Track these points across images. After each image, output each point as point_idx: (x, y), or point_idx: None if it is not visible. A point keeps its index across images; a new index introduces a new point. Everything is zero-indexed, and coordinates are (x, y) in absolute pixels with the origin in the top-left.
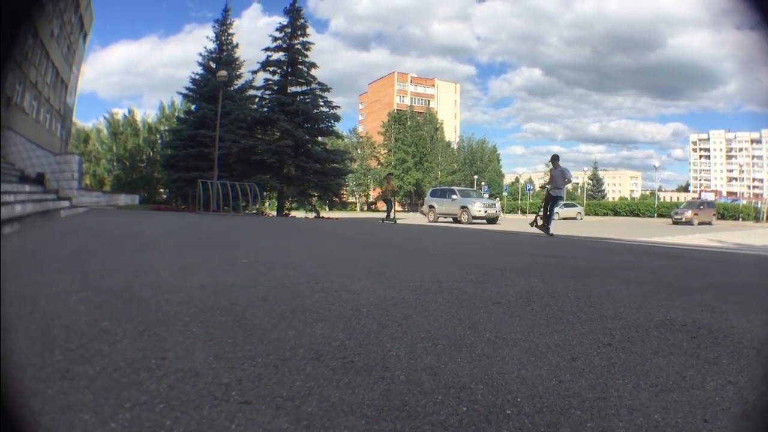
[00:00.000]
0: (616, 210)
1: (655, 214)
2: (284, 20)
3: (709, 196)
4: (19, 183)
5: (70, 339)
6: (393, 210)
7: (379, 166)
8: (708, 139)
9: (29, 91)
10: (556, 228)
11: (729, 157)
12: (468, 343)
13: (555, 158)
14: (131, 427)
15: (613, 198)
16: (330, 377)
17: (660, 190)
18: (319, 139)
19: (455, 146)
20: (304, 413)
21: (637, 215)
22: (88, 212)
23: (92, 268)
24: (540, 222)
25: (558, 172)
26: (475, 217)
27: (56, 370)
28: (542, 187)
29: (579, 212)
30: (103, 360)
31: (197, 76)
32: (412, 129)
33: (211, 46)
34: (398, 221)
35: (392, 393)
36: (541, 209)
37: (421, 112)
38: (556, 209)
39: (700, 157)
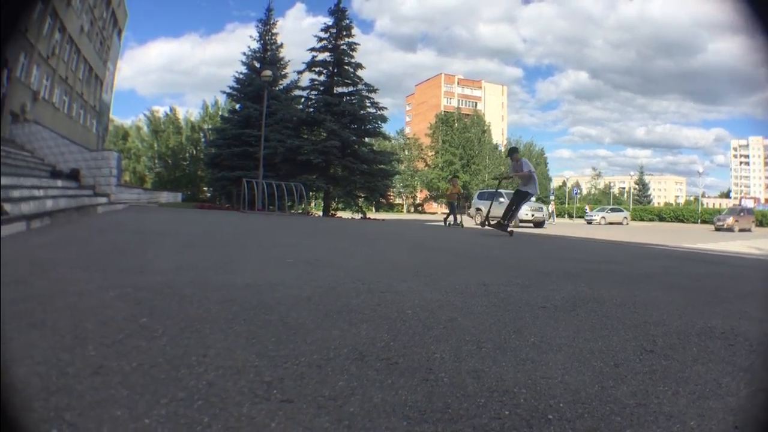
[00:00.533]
0: (662, 215)
1: (699, 220)
2: (329, 20)
3: (749, 203)
4: (50, 178)
5: (106, 335)
6: (458, 214)
7: (426, 167)
8: (747, 145)
9: (59, 86)
10: (602, 233)
11: (766, 163)
12: (513, 347)
13: (513, 150)
14: (167, 423)
15: (658, 203)
16: (373, 378)
17: (703, 196)
18: (366, 140)
19: (503, 149)
20: (346, 413)
21: (682, 221)
22: (128, 209)
23: (131, 265)
24: (492, 221)
25: (519, 166)
26: (522, 221)
27: (88, 366)
28: (495, 179)
29: (625, 217)
30: (140, 356)
31: (241, 76)
32: (460, 131)
33: (255, 45)
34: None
35: (435, 395)
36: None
37: (468, 114)
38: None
39: (741, 163)
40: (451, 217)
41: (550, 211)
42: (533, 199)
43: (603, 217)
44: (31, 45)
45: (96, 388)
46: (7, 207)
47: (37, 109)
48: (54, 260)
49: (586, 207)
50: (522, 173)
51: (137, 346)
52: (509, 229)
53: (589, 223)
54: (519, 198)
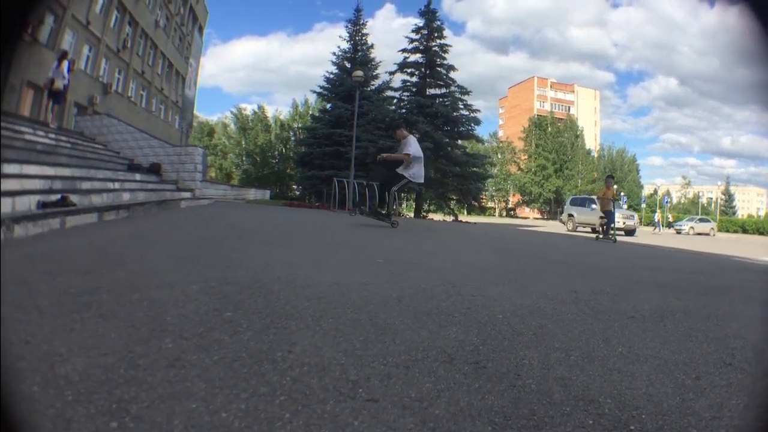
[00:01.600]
0: (745, 227)
1: None
2: (419, 22)
3: None
4: (127, 171)
5: (186, 327)
6: (613, 224)
7: (519, 171)
8: None
9: (135, 80)
10: (689, 244)
11: None
12: (601, 356)
13: (397, 125)
14: (245, 418)
15: (741, 215)
16: (461, 381)
17: None
18: (459, 142)
19: (595, 154)
20: (431, 415)
21: (762, 233)
22: (213, 204)
23: (216, 259)
24: (364, 208)
25: (403, 145)
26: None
27: (163, 358)
28: (377, 154)
29: (712, 228)
30: (222, 350)
31: (332, 75)
32: (553, 135)
33: (345, 45)
34: (536, 229)
35: (522, 401)
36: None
37: (561, 119)
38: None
39: None
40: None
41: (656, 221)
42: (624, 206)
43: (692, 227)
44: (96, 38)
45: (170, 381)
46: (74, 198)
47: (110, 102)
48: (131, 252)
49: (668, 216)
50: (398, 156)
51: (219, 339)
52: (392, 220)
53: (678, 232)
54: (392, 182)
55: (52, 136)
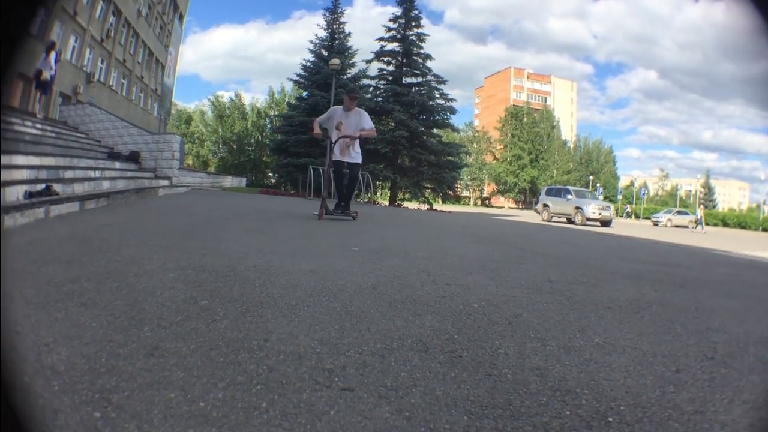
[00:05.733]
0: (726, 221)
1: (760, 228)
2: (397, 11)
3: None
4: (107, 159)
5: (163, 316)
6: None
7: (495, 161)
8: None
9: (116, 68)
10: (666, 236)
11: None
12: (577, 346)
13: (352, 91)
14: (222, 407)
15: (722, 208)
16: (436, 370)
17: (765, 203)
18: (435, 131)
19: (571, 145)
20: (407, 404)
21: (744, 227)
22: (190, 192)
23: (193, 247)
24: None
25: (353, 119)
26: (589, 219)
27: (142, 347)
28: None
29: (691, 220)
30: (198, 338)
31: (309, 63)
32: (529, 126)
33: (323, 34)
34: (510, 218)
35: (497, 391)
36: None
37: (537, 109)
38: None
39: None
40: None
41: (698, 218)
42: (600, 197)
43: (669, 220)
44: (82, 28)
45: (149, 370)
46: (57, 188)
47: (92, 91)
48: (110, 241)
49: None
50: (369, 133)
51: (196, 328)
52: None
53: (656, 224)
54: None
55: (39, 126)
